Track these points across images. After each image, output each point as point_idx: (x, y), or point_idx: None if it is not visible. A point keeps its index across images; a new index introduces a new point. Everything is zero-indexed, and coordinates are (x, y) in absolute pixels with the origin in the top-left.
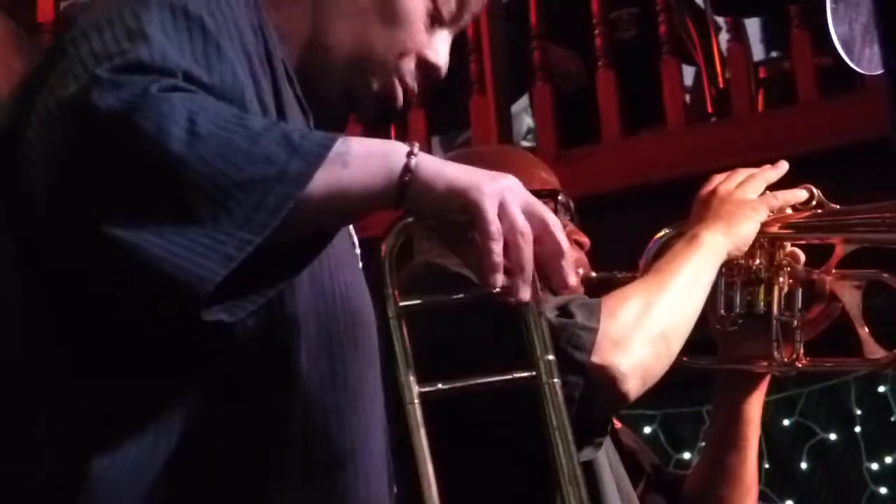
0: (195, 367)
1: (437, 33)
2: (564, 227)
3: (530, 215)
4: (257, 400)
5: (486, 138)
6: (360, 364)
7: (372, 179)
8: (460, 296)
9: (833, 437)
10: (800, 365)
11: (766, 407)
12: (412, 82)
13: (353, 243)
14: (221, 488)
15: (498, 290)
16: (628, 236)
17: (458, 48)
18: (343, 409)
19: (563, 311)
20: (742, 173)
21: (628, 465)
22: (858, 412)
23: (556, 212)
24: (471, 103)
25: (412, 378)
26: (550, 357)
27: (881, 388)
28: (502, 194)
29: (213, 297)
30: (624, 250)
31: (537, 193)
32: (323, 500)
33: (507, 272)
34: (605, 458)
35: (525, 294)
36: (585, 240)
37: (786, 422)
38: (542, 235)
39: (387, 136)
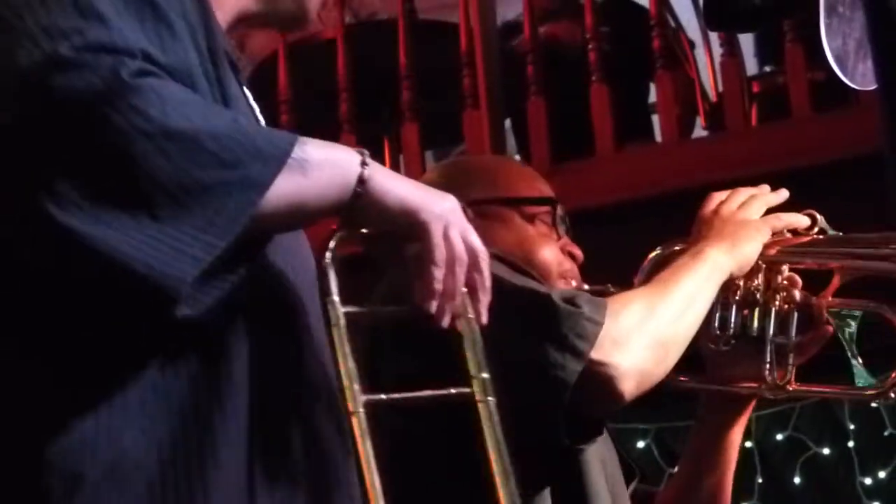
0: (148, 348)
1: None
2: (559, 239)
3: (467, 245)
4: (208, 371)
5: (479, 152)
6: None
7: (328, 189)
8: (400, 309)
9: (826, 451)
10: (790, 388)
11: (760, 421)
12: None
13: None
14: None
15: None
16: (622, 250)
17: (453, 62)
18: (297, 385)
19: (570, 301)
20: (743, 193)
21: (624, 469)
22: (852, 427)
23: (553, 222)
24: (464, 117)
25: (356, 387)
26: (485, 375)
27: (874, 404)
28: (447, 218)
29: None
30: (618, 264)
31: (534, 202)
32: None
33: None
34: (597, 456)
35: (447, 321)
36: (579, 252)
37: (779, 436)
38: (472, 266)
39: (380, 151)
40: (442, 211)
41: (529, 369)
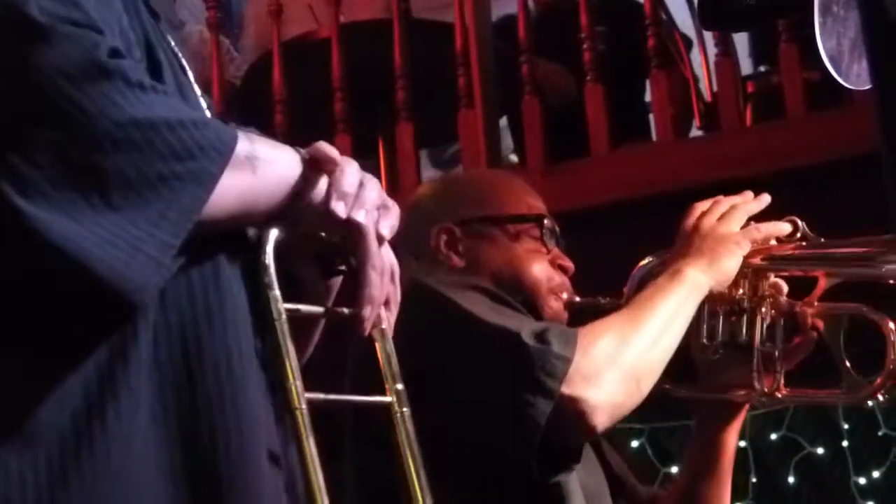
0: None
1: None
2: (549, 252)
3: (389, 255)
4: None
5: (473, 152)
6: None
7: (277, 188)
8: (337, 311)
9: (820, 451)
10: (780, 395)
11: (754, 421)
12: None
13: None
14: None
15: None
16: (617, 250)
17: (448, 61)
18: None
19: (540, 337)
20: (724, 204)
21: (610, 482)
22: (846, 426)
23: (541, 237)
24: (459, 117)
25: (299, 384)
26: (400, 387)
27: (869, 403)
28: (379, 229)
29: None
30: (613, 264)
31: (521, 220)
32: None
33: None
34: (578, 481)
35: (369, 328)
36: (570, 265)
37: (773, 436)
38: (392, 279)
39: (375, 151)
40: (372, 220)
41: (501, 411)
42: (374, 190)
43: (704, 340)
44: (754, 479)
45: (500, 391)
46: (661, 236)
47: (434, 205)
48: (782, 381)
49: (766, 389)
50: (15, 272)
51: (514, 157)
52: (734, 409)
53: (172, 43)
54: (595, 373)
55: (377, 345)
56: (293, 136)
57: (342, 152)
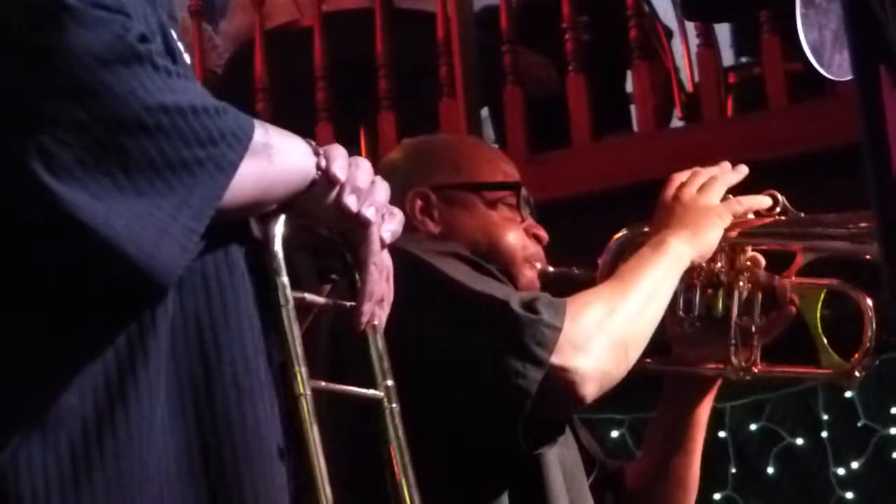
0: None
1: None
2: (524, 221)
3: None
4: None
5: None
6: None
7: (291, 176)
8: (340, 303)
9: (800, 442)
10: (755, 370)
11: (734, 412)
12: None
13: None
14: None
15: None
16: (598, 239)
17: (430, 51)
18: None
19: (529, 307)
20: (703, 175)
21: (583, 459)
22: (825, 417)
23: (517, 205)
24: (441, 107)
25: (304, 370)
26: (390, 383)
27: (848, 394)
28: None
29: None
30: (594, 253)
31: (497, 187)
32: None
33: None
34: (556, 456)
35: (364, 323)
36: (544, 234)
37: (753, 426)
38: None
39: (356, 140)
40: (378, 215)
41: (491, 379)
42: (384, 192)
43: (681, 313)
44: (734, 470)
45: (490, 360)
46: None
47: (408, 169)
48: (758, 356)
49: (742, 364)
50: (43, 251)
51: (496, 147)
52: (706, 384)
53: (175, 35)
54: (584, 341)
55: (369, 341)
56: (275, 125)
57: (324, 141)
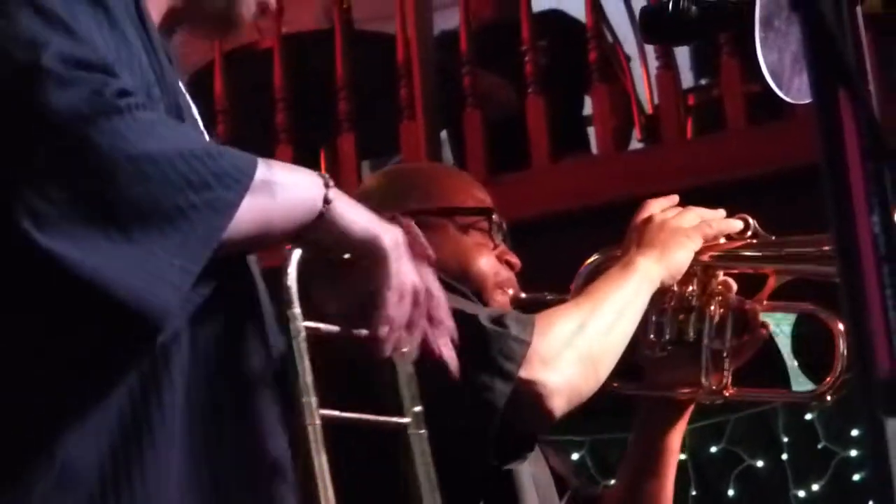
0: (93, 370)
1: None
2: (496, 247)
3: (421, 277)
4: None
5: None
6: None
7: (295, 210)
8: (356, 331)
9: (760, 464)
10: (727, 394)
11: (694, 434)
12: None
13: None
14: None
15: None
16: (559, 262)
17: (390, 73)
18: (242, 398)
19: (498, 321)
20: (673, 200)
21: (554, 480)
22: (786, 439)
23: (489, 231)
24: (401, 129)
25: (314, 400)
26: (418, 409)
27: (808, 416)
28: (400, 249)
29: None
30: (554, 276)
31: (469, 213)
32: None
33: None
34: (530, 475)
35: (389, 350)
36: (516, 260)
37: (713, 448)
38: (427, 300)
39: (316, 161)
40: (396, 242)
41: (459, 393)
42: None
43: (652, 337)
44: (694, 492)
45: (459, 372)
46: (602, 247)
47: (382, 196)
48: (730, 380)
49: (713, 387)
50: (40, 303)
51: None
52: (679, 408)
53: (182, 85)
54: (553, 356)
55: (397, 367)
56: (234, 147)
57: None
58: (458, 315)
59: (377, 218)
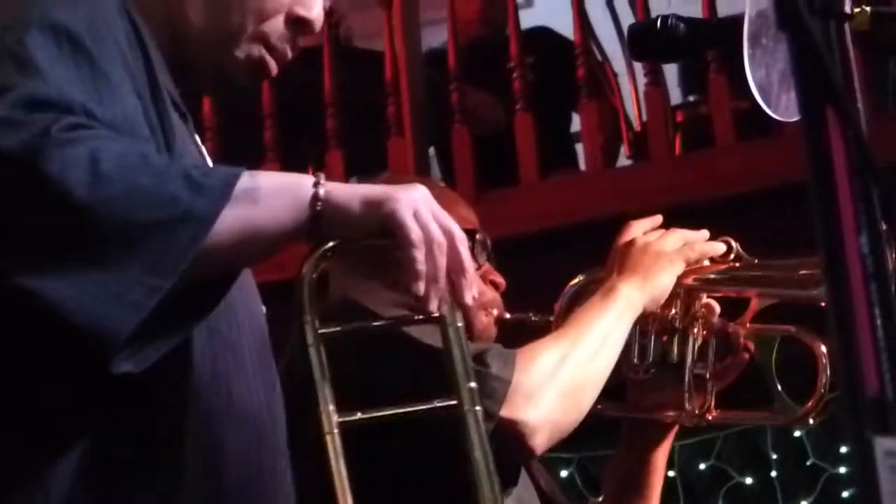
0: (90, 410)
1: None
2: (480, 267)
3: (441, 226)
4: (150, 431)
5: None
6: (259, 392)
7: (282, 214)
8: (379, 323)
9: (749, 480)
10: (710, 417)
11: (683, 450)
12: (282, 45)
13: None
14: None
15: (417, 304)
16: (546, 278)
17: (377, 90)
18: (243, 437)
19: (479, 359)
20: (656, 221)
21: (540, 499)
22: (774, 456)
23: (473, 250)
24: (389, 145)
25: (331, 407)
26: (472, 385)
27: (797, 433)
28: (416, 204)
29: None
30: (542, 293)
31: None
32: None
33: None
34: (515, 496)
35: (434, 305)
36: (501, 280)
37: (702, 465)
38: (449, 248)
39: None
40: (407, 197)
41: (441, 433)
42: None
43: (635, 360)
44: None
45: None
46: (591, 264)
47: None
48: (713, 403)
49: (696, 410)
50: (14, 344)
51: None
52: (663, 430)
53: (199, 140)
54: (534, 393)
55: (451, 339)
56: (221, 163)
57: None
58: (438, 355)
59: (378, 188)
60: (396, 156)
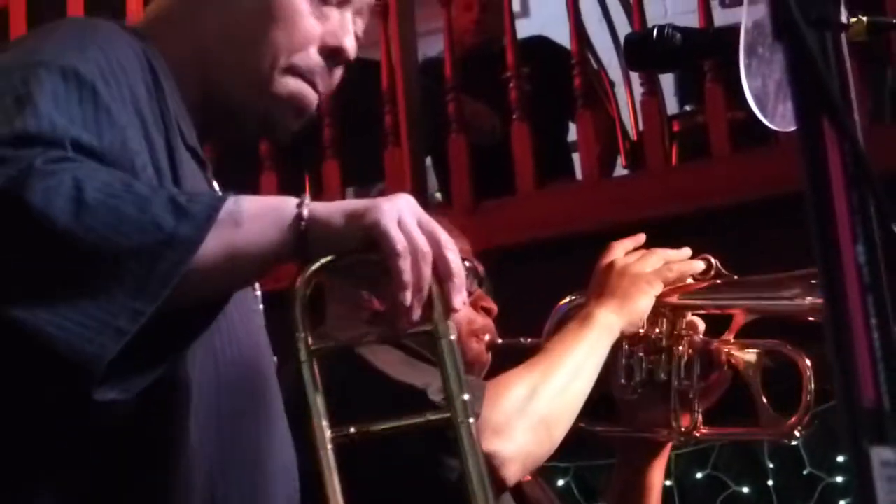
0: (80, 440)
1: (334, 14)
2: (472, 293)
3: (426, 233)
4: (141, 470)
5: (400, 190)
6: (261, 419)
7: (266, 236)
8: (370, 338)
9: (746, 490)
10: (698, 434)
11: (679, 460)
12: (320, 78)
13: (256, 295)
14: None
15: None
16: (543, 288)
17: (374, 99)
18: (246, 467)
19: None
20: (639, 241)
21: None
22: (771, 465)
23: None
24: (385, 155)
25: (324, 423)
26: (466, 397)
27: (794, 442)
28: (400, 212)
29: (106, 372)
30: (538, 302)
31: None
32: None
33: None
34: None
35: (417, 314)
36: (493, 306)
37: (699, 474)
38: (436, 255)
39: (301, 186)
40: (390, 206)
41: (413, 469)
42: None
43: (622, 380)
44: None
45: (409, 450)
46: (587, 275)
47: None
48: (700, 420)
49: (683, 428)
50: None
51: (438, 196)
52: (656, 447)
53: (217, 188)
54: (504, 425)
55: (439, 344)
56: (219, 174)
57: (268, 190)
58: (408, 391)
59: (362, 200)
60: (393, 165)
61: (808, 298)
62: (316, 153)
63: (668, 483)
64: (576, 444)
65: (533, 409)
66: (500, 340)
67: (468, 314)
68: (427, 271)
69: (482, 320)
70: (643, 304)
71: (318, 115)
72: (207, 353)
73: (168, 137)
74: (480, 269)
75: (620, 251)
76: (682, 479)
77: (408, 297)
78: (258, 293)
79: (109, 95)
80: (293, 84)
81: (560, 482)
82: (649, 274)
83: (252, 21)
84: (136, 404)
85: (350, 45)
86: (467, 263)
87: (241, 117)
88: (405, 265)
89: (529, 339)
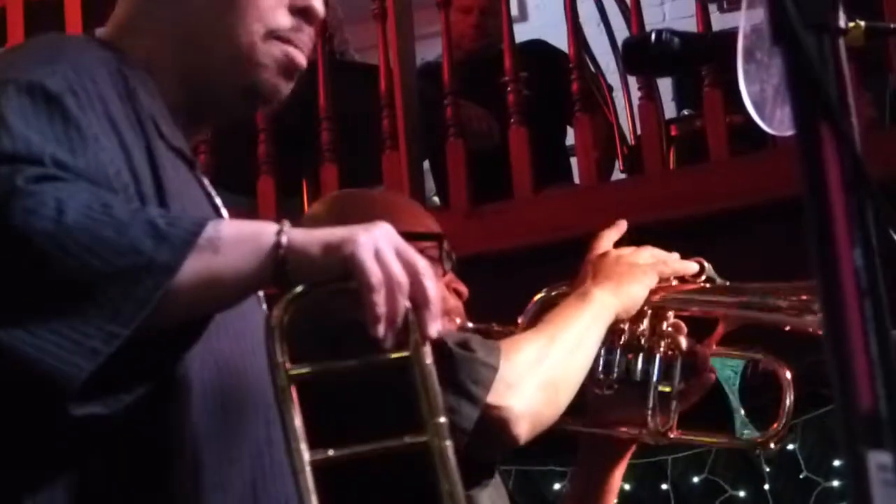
0: (80, 440)
1: None
2: (444, 275)
3: (403, 262)
4: (141, 473)
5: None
6: (261, 419)
7: (243, 262)
8: (349, 364)
9: (742, 494)
10: (672, 436)
11: (676, 463)
12: (296, 36)
13: (258, 295)
14: None
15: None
16: (539, 292)
17: (372, 103)
18: (245, 467)
19: (464, 345)
20: (621, 229)
21: None
22: (768, 470)
23: (440, 258)
24: (383, 159)
25: (303, 446)
26: (442, 420)
27: (790, 446)
28: (376, 243)
29: (88, 389)
30: None
31: (422, 237)
32: None
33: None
34: (489, 497)
35: (389, 344)
36: (464, 289)
37: (695, 479)
38: (412, 282)
39: (299, 191)
40: (367, 238)
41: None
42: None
43: (600, 374)
44: None
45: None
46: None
47: (328, 221)
48: (675, 422)
49: (658, 428)
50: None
51: (436, 199)
52: (621, 448)
53: (208, 185)
54: (517, 381)
55: (415, 370)
56: (216, 177)
57: (266, 194)
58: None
59: (340, 230)
60: (391, 169)
61: (801, 309)
62: (313, 157)
63: (664, 487)
64: (573, 449)
65: (543, 370)
66: (470, 325)
67: (441, 293)
68: (402, 302)
69: (454, 302)
70: (638, 291)
71: (316, 118)
72: (207, 353)
73: (147, 140)
74: (453, 252)
75: (609, 242)
76: (678, 483)
77: (380, 329)
78: (260, 293)
79: (78, 107)
80: (277, 48)
81: (556, 486)
82: (645, 265)
83: (217, 3)
84: (136, 404)
85: (317, 2)
86: (445, 245)
87: (231, 97)
88: (378, 299)
89: (500, 326)
